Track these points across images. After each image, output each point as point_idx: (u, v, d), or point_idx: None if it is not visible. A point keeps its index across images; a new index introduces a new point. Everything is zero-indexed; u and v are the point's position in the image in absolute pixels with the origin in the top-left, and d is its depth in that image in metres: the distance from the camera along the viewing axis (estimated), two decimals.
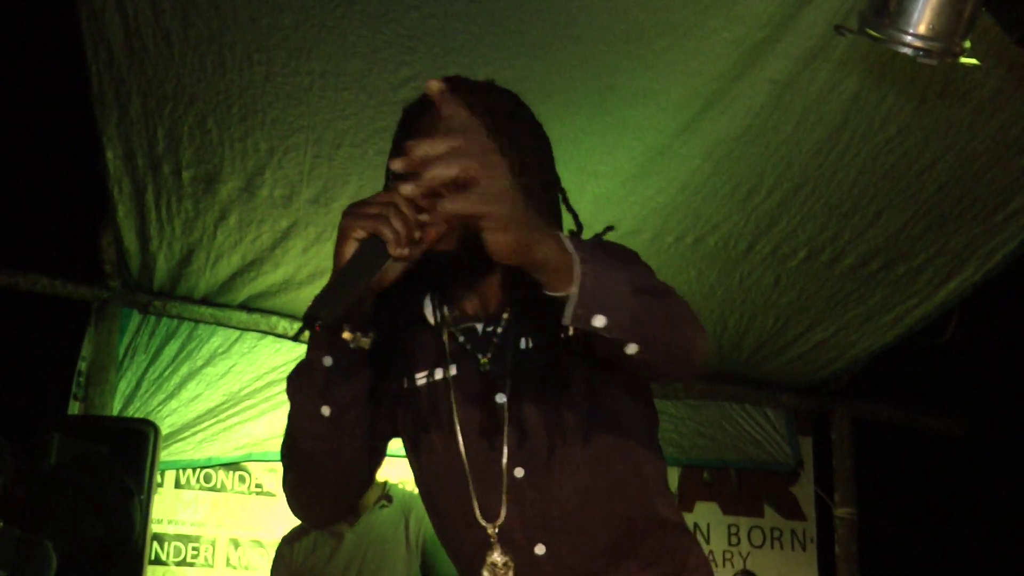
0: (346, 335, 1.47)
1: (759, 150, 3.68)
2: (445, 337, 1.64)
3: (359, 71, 3.25)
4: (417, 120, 1.63)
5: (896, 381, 5.91)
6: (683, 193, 3.93)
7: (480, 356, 1.61)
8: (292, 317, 4.70)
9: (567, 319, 1.26)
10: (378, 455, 1.70)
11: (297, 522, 3.29)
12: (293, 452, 1.60)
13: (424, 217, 1.31)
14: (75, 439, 3.87)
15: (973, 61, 2.47)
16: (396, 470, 3.44)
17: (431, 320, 1.66)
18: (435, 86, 1.19)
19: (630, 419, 1.64)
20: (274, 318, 4.72)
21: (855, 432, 5.79)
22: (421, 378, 1.64)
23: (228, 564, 4.77)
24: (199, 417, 4.69)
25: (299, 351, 4.22)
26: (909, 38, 2.42)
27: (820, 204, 4.01)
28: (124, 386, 4.60)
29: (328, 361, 1.50)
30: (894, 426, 5.97)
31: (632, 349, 1.33)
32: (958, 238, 4.25)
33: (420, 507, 1.74)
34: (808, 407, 5.84)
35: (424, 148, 1.15)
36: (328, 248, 3.94)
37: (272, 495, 4.75)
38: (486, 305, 1.64)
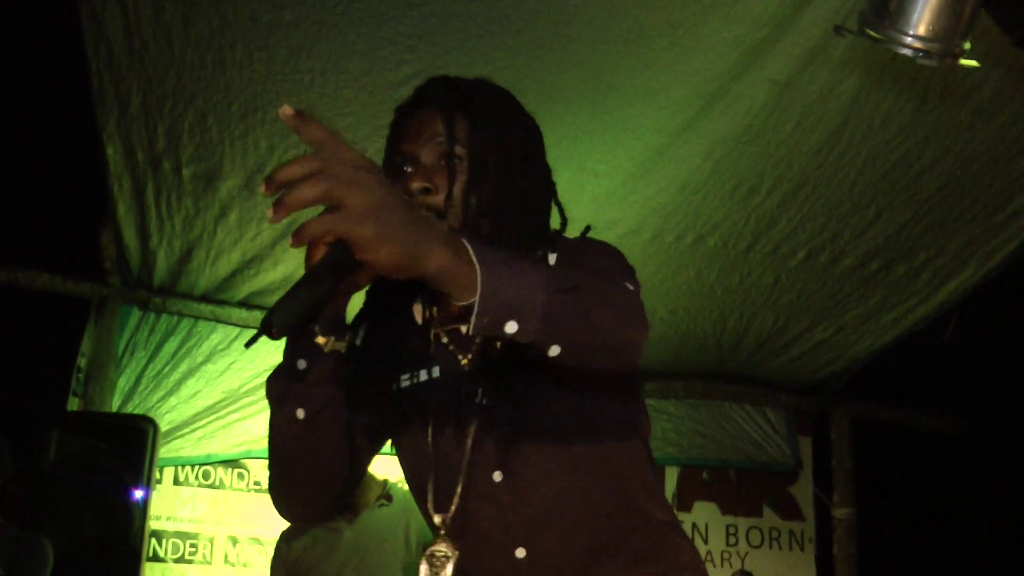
0: (320, 339, 1.48)
1: (759, 150, 3.68)
2: (432, 337, 1.64)
3: (359, 69, 3.26)
4: (409, 120, 1.63)
5: (895, 381, 5.91)
6: (683, 192, 3.93)
7: (461, 357, 1.62)
8: None
9: (471, 328, 1.23)
10: (366, 454, 1.71)
11: None
12: (272, 452, 1.62)
13: None
14: (74, 436, 3.88)
15: (972, 63, 2.47)
16: (397, 469, 3.45)
17: (419, 320, 1.67)
18: (287, 111, 1.16)
19: (609, 419, 1.64)
20: None
21: (854, 432, 5.80)
22: (406, 379, 1.65)
23: (226, 561, 4.77)
24: (198, 414, 4.70)
25: None
26: (909, 39, 2.42)
27: (820, 204, 4.01)
28: (123, 383, 4.60)
29: (302, 364, 1.51)
30: (893, 426, 5.98)
31: (554, 351, 1.31)
32: (958, 239, 4.25)
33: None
34: (807, 407, 5.84)
35: (285, 172, 1.12)
36: None
37: None
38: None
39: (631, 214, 4.04)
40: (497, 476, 1.58)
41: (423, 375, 1.64)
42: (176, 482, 4.78)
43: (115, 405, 4.54)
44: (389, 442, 1.75)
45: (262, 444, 4.73)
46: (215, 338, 4.77)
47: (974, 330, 5.08)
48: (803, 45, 3.12)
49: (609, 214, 4.02)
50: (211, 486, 4.83)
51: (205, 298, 4.72)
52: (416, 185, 1.55)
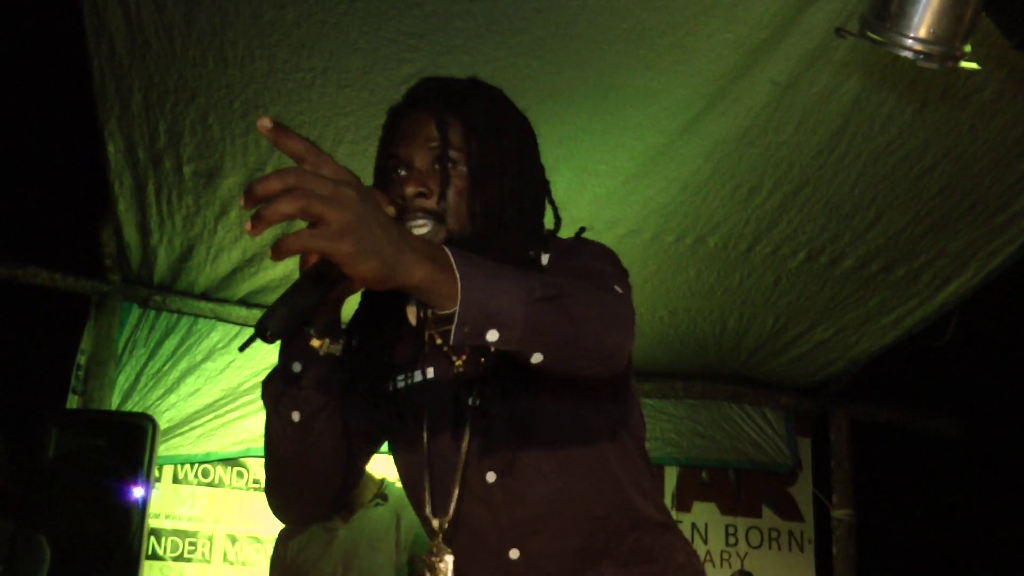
0: (315, 342, 1.48)
1: (760, 151, 3.68)
2: (426, 339, 1.65)
3: (360, 68, 3.26)
4: (401, 122, 1.63)
5: (895, 383, 5.91)
6: (684, 193, 3.93)
7: (455, 358, 1.62)
8: None
9: (451, 338, 1.24)
10: (362, 456, 1.71)
11: None
12: (268, 454, 1.62)
13: None
14: (73, 433, 3.88)
15: (973, 65, 2.47)
16: (394, 468, 3.45)
17: (413, 321, 1.67)
18: (265, 124, 1.16)
19: (603, 420, 1.64)
20: None
21: (854, 433, 5.80)
22: (401, 380, 1.66)
23: (225, 559, 4.78)
24: (198, 412, 4.70)
25: None
26: (910, 41, 2.42)
27: (820, 205, 4.01)
28: (123, 380, 4.60)
29: (297, 367, 1.51)
30: (893, 428, 5.98)
31: (537, 358, 1.32)
32: (958, 240, 4.25)
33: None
34: (807, 408, 5.84)
35: (263, 185, 1.12)
36: None
37: None
38: None
39: (631, 214, 4.05)
40: (491, 477, 1.58)
41: (417, 376, 1.64)
42: (175, 480, 4.78)
43: (114, 403, 4.54)
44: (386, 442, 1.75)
45: (261, 443, 4.67)
46: (215, 336, 4.77)
47: (974, 332, 5.08)
48: (804, 47, 3.12)
49: (609, 214, 4.02)
50: (210, 484, 4.83)
51: (205, 296, 4.72)
52: (411, 190, 1.55)
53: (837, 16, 2.93)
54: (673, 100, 3.37)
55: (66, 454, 3.82)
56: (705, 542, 5.64)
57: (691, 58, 3.16)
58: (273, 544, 4.10)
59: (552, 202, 1.71)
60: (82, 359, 4.58)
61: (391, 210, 1.35)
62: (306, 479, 1.61)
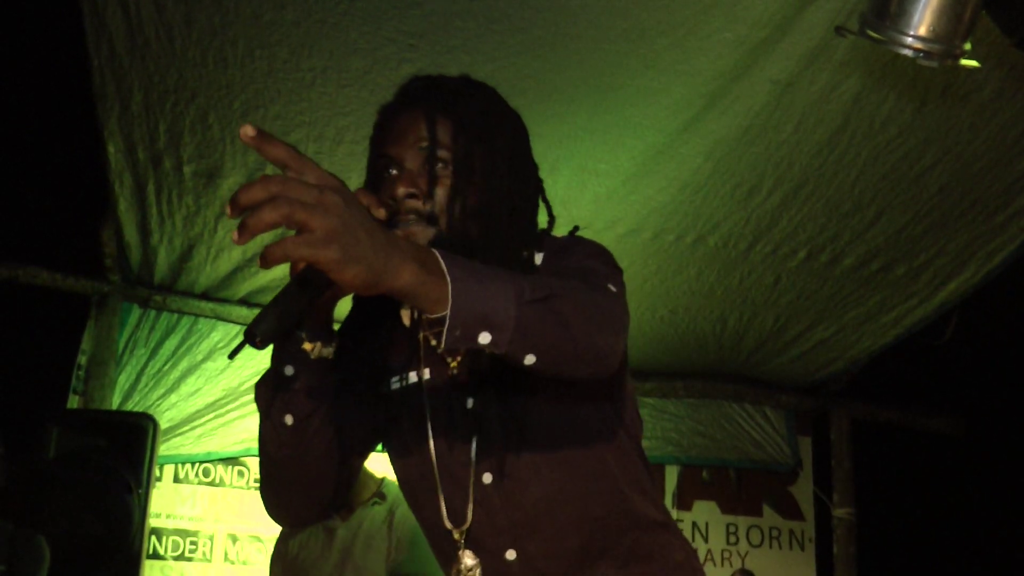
0: (306, 346, 1.48)
1: (760, 150, 3.68)
2: (420, 340, 1.64)
3: (360, 68, 3.26)
4: (393, 121, 1.63)
5: (895, 382, 5.91)
6: (684, 192, 3.93)
7: (449, 360, 1.61)
8: None
9: (443, 342, 1.24)
10: (356, 457, 1.71)
11: None
12: (262, 457, 1.62)
13: None
14: (74, 433, 3.87)
15: (973, 63, 2.47)
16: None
17: (407, 322, 1.66)
18: (248, 132, 1.14)
19: (600, 420, 1.64)
20: None
21: (854, 432, 5.80)
22: (396, 381, 1.65)
23: (226, 559, 4.78)
24: (198, 412, 4.70)
25: None
26: (910, 40, 2.42)
27: (820, 204, 4.01)
28: (123, 380, 4.60)
29: (290, 371, 1.50)
30: (893, 427, 5.98)
31: (529, 360, 1.32)
32: (958, 239, 4.25)
33: (406, 503, 1.76)
34: (807, 407, 5.84)
35: (247, 194, 1.12)
36: None
37: None
38: None
39: (632, 213, 4.05)
40: (487, 478, 1.58)
41: (412, 378, 1.64)
42: (176, 480, 4.78)
43: (115, 403, 4.54)
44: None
45: None
46: (215, 336, 4.77)
47: (974, 331, 5.08)
48: (804, 46, 3.12)
49: (610, 213, 4.03)
50: (211, 484, 4.84)
51: (206, 296, 4.72)
52: (402, 190, 1.54)
53: (837, 15, 2.93)
54: (673, 99, 3.37)
55: (66, 454, 3.82)
56: (706, 541, 5.64)
57: (691, 57, 3.16)
58: (273, 543, 4.10)
59: (546, 200, 1.71)
60: (82, 359, 4.58)
61: (382, 212, 1.35)
62: (301, 482, 1.61)
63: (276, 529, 4.20)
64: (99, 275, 4.56)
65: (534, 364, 1.32)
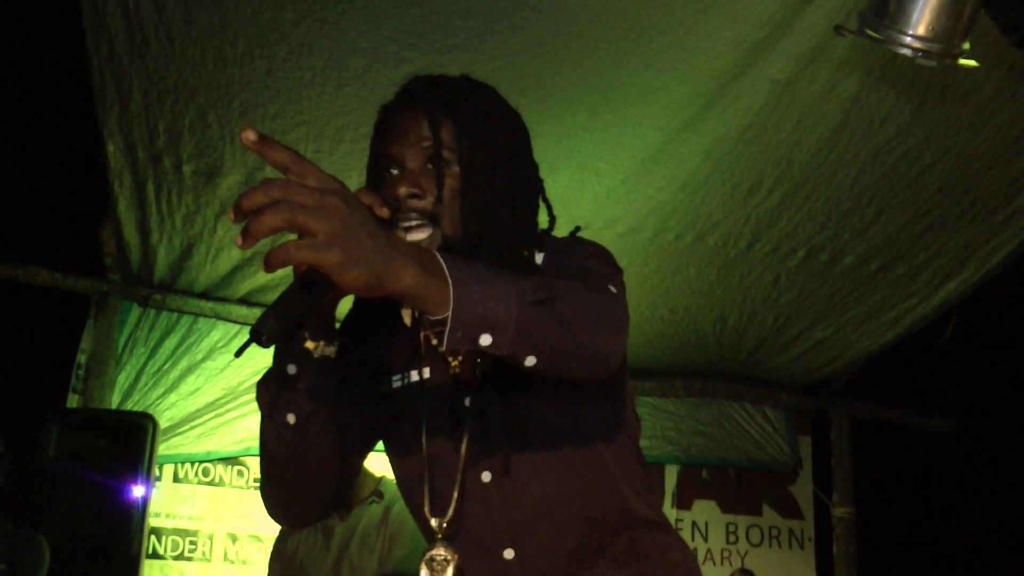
0: (309, 344, 1.48)
1: (759, 149, 3.68)
2: (421, 339, 1.64)
3: (360, 67, 3.26)
4: (393, 121, 1.63)
5: (895, 381, 5.92)
6: (683, 191, 3.93)
7: (450, 359, 1.62)
8: None
9: (444, 343, 1.24)
10: (357, 456, 1.71)
11: None
12: (263, 457, 1.61)
13: None
14: (74, 432, 3.88)
15: (972, 63, 2.47)
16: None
17: (408, 322, 1.67)
18: (249, 136, 1.15)
19: (599, 420, 1.64)
20: None
21: (854, 432, 5.80)
22: (397, 380, 1.65)
23: (226, 558, 4.78)
24: (198, 411, 4.69)
25: None
26: (909, 39, 2.43)
27: (820, 203, 4.02)
28: (123, 379, 4.60)
29: (292, 369, 1.50)
30: (893, 426, 5.98)
31: (530, 361, 1.32)
32: (958, 238, 4.25)
33: (403, 501, 1.76)
34: (807, 406, 5.84)
35: (249, 199, 1.13)
36: None
37: None
38: None
39: (631, 212, 4.05)
40: (486, 477, 1.58)
41: (413, 376, 1.64)
42: (176, 479, 4.79)
43: (115, 402, 4.54)
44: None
45: None
46: (215, 335, 4.77)
47: (974, 330, 5.08)
48: (803, 45, 3.12)
49: (609, 212, 4.03)
50: (211, 483, 4.84)
51: (205, 295, 4.72)
52: (404, 190, 1.54)
53: (836, 14, 2.93)
54: (672, 98, 3.37)
55: (66, 454, 3.82)
56: (706, 540, 5.65)
57: (690, 56, 3.16)
58: (273, 542, 4.11)
59: (546, 200, 1.71)
60: (82, 358, 4.58)
61: (384, 211, 1.35)
62: (302, 481, 1.60)
63: (276, 528, 4.20)
64: (99, 274, 4.57)
65: (535, 365, 1.33)
